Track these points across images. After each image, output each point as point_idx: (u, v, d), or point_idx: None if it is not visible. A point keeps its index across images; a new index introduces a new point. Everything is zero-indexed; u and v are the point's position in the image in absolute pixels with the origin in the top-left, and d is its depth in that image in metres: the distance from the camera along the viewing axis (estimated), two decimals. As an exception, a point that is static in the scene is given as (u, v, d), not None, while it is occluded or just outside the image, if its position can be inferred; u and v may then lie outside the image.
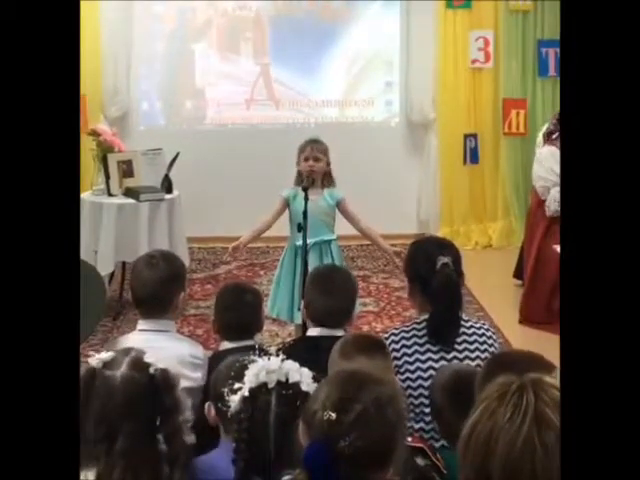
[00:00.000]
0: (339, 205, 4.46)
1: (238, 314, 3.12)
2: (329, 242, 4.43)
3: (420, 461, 2.26)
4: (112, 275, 5.82)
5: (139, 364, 1.85)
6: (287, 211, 4.48)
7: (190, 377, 2.80)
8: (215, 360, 2.99)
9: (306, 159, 4.34)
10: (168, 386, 1.85)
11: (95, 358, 1.85)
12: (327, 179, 4.43)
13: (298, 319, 4.09)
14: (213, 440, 2.27)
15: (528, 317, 5.53)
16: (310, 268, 4.05)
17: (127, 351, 1.90)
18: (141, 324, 2.93)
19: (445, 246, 2.97)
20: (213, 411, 2.15)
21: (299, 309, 4.08)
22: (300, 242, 4.19)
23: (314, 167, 4.33)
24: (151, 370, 1.84)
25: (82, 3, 7.17)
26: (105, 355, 1.86)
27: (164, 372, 1.86)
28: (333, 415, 1.61)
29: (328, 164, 4.41)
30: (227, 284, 3.67)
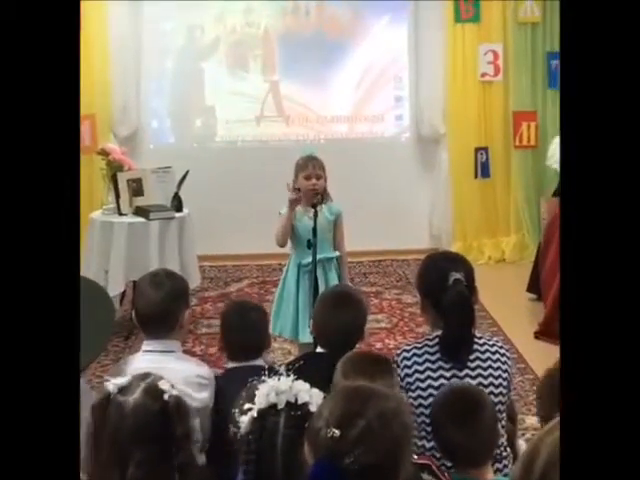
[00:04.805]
0: (337, 219, 4.38)
1: (243, 334, 3.09)
2: (331, 259, 4.34)
3: (426, 477, 2.23)
4: (123, 294, 5.80)
5: (153, 391, 1.82)
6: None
7: (196, 398, 2.76)
8: (222, 380, 2.97)
9: (308, 177, 4.25)
10: (181, 414, 1.81)
11: (111, 383, 1.82)
12: (325, 195, 4.36)
13: (305, 337, 4.04)
14: (223, 461, 2.24)
15: (554, 332, 5.29)
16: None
17: (144, 377, 1.86)
18: (146, 345, 2.91)
19: (457, 261, 2.91)
20: None
21: (309, 327, 4.05)
22: (305, 260, 4.15)
23: (316, 185, 4.25)
24: (165, 397, 1.80)
25: (91, 21, 7.23)
26: (121, 380, 1.83)
27: (177, 399, 1.82)
28: (337, 432, 1.58)
29: (325, 180, 4.35)
30: (231, 303, 3.63)
